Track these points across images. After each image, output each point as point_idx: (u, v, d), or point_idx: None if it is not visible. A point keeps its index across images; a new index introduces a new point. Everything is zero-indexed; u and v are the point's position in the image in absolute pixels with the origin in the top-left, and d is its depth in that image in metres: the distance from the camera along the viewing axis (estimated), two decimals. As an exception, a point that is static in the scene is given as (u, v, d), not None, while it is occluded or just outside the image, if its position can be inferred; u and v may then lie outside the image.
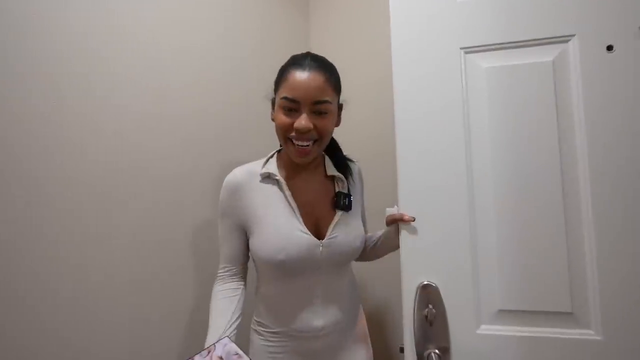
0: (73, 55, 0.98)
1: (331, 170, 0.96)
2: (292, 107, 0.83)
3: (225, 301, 0.90)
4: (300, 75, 0.83)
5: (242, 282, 0.96)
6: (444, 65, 0.83)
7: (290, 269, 0.86)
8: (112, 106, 1.04)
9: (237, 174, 0.92)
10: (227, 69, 1.35)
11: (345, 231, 0.90)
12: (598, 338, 0.73)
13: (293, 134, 0.84)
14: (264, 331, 0.93)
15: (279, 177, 0.90)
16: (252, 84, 1.41)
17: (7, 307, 0.87)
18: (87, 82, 1.00)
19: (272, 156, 0.96)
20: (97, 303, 1.00)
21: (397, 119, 0.84)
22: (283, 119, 0.84)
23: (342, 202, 0.91)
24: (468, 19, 0.82)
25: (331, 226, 0.89)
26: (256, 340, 0.94)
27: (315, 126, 0.84)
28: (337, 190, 0.94)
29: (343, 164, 1.00)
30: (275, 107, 0.88)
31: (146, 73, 1.11)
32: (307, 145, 0.84)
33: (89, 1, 1.01)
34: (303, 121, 0.82)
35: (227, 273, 0.95)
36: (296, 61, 0.87)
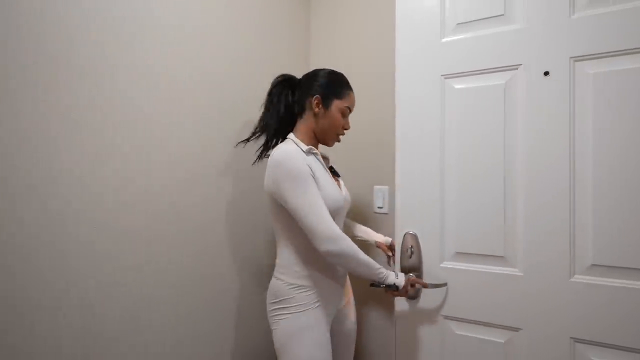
0: (82, 50, 0.99)
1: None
2: (347, 113, 1.21)
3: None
4: (353, 96, 1.23)
5: None
6: (430, 86, 1.20)
7: (338, 213, 1.15)
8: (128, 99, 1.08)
9: (291, 147, 1.11)
10: (229, 64, 1.38)
11: (346, 190, 1.26)
12: (520, 274, 1.08)
13: (341, 130, 1.21)
14: (310, 284, 1.11)
15: (318, 152, 1.17)
16: (254, 79, 1.47)
17: (57, 304, 0.95)
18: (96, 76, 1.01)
19: (294, 141, 1.16)
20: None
21: (397, 124, 1.25)
22: (341, 120, 1.19)
23: (337, 173, 1.29)
24: (447, 53, 1.18)
25: (342, 187, 1.24)
26: (299, 296, 1.10)
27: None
28: (329, 165, 1.28)
29: None
30: (334, 109, 1.17)
31: (157, 66, 1.15)
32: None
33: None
34: (349, 124, 1.23)
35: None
36: (349, 83, 1.22)
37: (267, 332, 1.47)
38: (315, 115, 1.18)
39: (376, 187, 1.36)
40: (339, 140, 1.23)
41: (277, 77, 1.24)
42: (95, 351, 1.02)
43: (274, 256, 1.23)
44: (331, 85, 1.19)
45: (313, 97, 1.17)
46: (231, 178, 1.39)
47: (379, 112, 1.51)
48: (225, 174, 1.37)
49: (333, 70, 1.23)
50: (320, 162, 1.17)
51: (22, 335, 0.90)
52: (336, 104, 1.18)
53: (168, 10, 1.19)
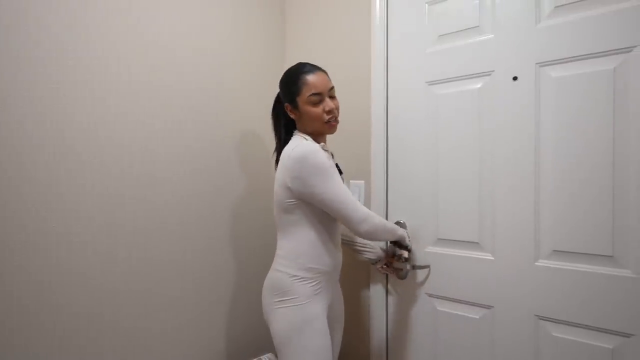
0: (76, 57, 1.08)
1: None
2: (318, 99, 1.13)
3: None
4: (314, 76, 1.14)
5: None
6: (416, 92, 1.36)
7: None
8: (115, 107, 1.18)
9: (309, 143, 1.11)
10: (216, 68, 1.47)
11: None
12: (492, 258, 1.21)
13: (326, 116, 1.15)
14: (312, 275, 1.13)
15: (328, 150, 1.18)
16: (233, 82, 1.54)
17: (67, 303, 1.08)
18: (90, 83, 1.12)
19: (304, 137, 1.17)
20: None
21: (389, 124, 1.43)
22: (316, 110, 1.14)
23: (341, 170, 1.26)
24: (431, 62, 1.33)
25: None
26: (301, 287, 1.11)
27: (334, 106, 1.17)
28: (335, 162, 1.23)
29: None
30: (302, 105, 1.15)
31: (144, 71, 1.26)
32: (335, 120, 1.18)
33: (87, 2, 1.11)
34: (330, 104, 1.15)
35: None
36: (302, 70, 1.16)
37: (261, 324, 1.58)
38: (296, 118, 1.20)
39: (352, 181, 1.48)
40: (332, 124, 1.18)
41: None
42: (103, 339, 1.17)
43: (270, 250, 1.36)
44: (287, 88, 1.18)
45: (285, 106, 1.21)
46: (227, 174, 1.50)
47: (354, 108, 1.50)
48: (221, 170, 1.48)
49: (286, 71, 1.21)
50: (331, 159, 1.18)
51: (23, 334, 1.03)
52: (301, 100, 1.15)
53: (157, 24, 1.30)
